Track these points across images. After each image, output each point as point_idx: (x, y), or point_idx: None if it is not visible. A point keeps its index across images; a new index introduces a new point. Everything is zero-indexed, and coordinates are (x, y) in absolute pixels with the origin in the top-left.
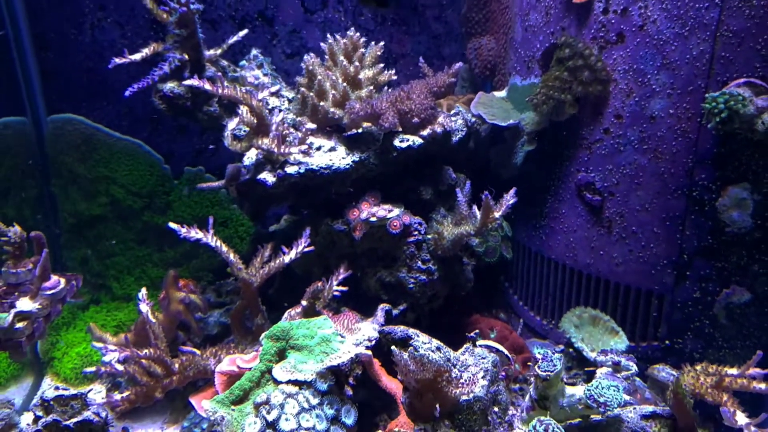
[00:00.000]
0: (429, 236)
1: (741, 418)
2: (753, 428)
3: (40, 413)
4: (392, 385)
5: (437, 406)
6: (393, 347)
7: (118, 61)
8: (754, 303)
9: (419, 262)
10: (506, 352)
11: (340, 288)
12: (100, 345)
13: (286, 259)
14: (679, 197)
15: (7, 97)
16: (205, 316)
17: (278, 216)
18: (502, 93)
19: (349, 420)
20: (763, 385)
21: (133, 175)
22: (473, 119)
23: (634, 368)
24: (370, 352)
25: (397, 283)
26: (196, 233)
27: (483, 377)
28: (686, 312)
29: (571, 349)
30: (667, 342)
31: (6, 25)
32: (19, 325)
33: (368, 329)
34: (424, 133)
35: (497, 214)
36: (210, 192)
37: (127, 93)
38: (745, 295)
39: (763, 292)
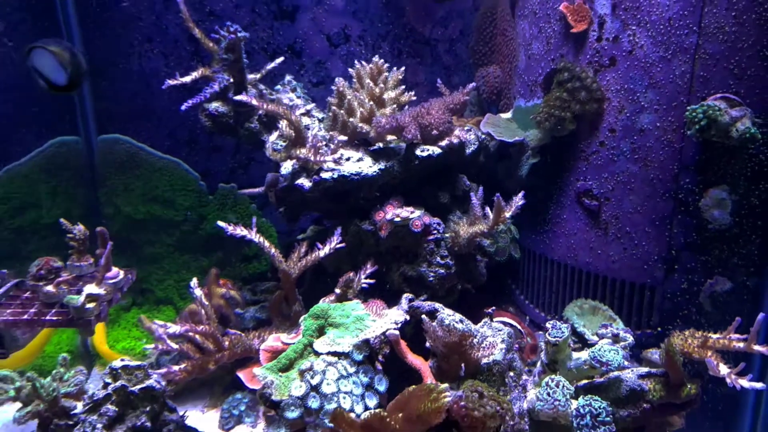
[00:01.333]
0: (447, 235)
1: (723, 369)
2: (733, 376)
3: (108, 380)
4: (417, 361)
5: (462, 366)
6: (423, 316)
7: (171, 82)
8: (734, 291)
9: (438, 258)
10: (519, 326)
11: (368, 281)
12: (160, 322)
13: (321, 253)
14: (667, 200)
15: (64, 119)
16: (242, 312)
17: (303, 229)
18: (508, 114)
19: (381, 387)
20: (741, 344)
21: (173, 189)
22: (483, 136)
23: (631, 339)
24: (397, 332)
25: (418, 277)
26: (241, 230)
27: (501, 342)
28: (675, 302)
29: (574, 336)
30: (659, 329)
31: None
32: (89, 305)
33: (395, 314)
34: (443, 143)
35: (508, 214)
36: (242, 205)
37: (183, 107)
38: (726, 285)
39: (742, 281)
